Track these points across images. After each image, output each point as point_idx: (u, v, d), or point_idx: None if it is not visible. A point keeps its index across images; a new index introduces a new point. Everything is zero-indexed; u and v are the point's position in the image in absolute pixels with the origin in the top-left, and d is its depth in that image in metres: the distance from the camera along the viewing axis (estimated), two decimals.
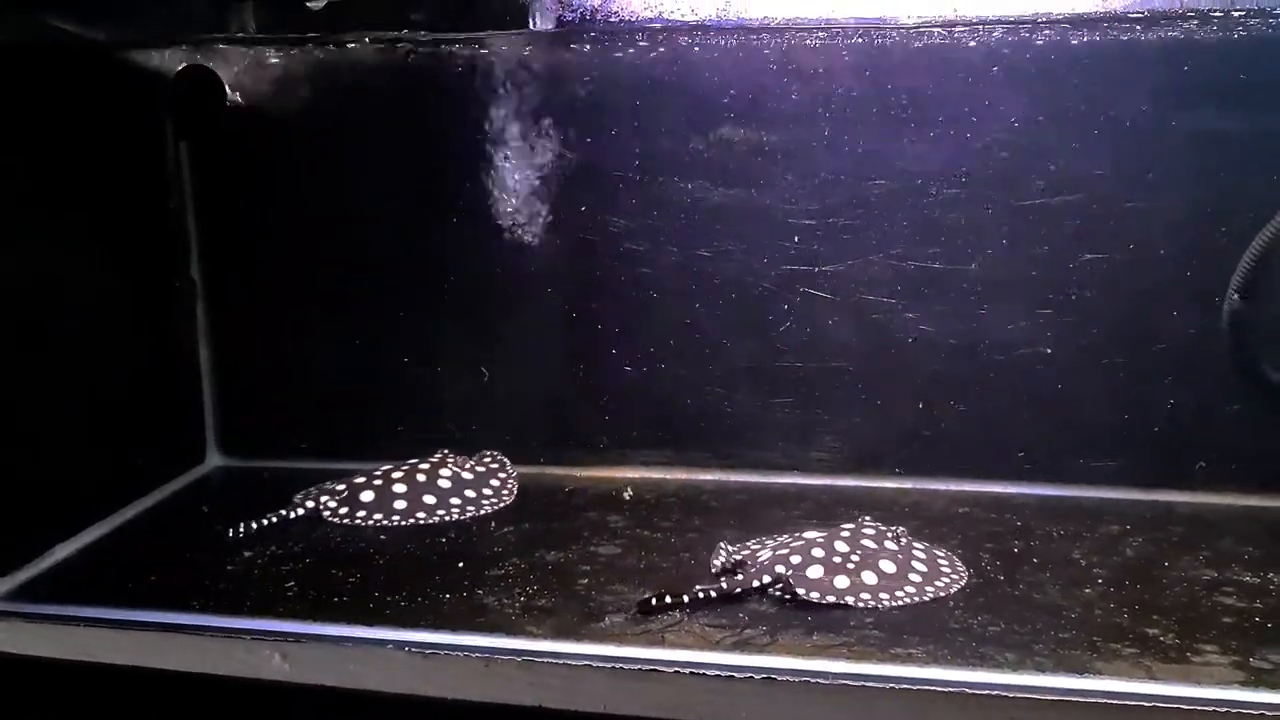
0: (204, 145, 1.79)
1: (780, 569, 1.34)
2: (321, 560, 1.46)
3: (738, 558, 1.40)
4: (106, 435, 1.66)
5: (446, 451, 1.69)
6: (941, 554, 1.43)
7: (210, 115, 1.73)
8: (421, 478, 1.63)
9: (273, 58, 1.74)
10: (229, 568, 1.44)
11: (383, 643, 1.26)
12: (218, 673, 1.29)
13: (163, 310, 1.80)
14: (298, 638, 1.27)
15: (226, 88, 1.74)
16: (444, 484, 1.62)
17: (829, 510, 1.60)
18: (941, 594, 1.33)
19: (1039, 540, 1.49)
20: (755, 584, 1.33)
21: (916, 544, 1.43)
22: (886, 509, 1.60)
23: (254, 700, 1.33)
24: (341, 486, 1.62)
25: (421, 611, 1.32)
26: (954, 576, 1.37)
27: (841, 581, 1.33)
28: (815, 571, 1.34)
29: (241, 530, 1.52)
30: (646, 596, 1.31)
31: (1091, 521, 1.55)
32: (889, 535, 1.43)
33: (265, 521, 1.54)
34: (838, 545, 1.38)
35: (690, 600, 1.31)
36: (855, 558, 1.36)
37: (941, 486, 1.68)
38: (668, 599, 1.30)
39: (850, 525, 1.45)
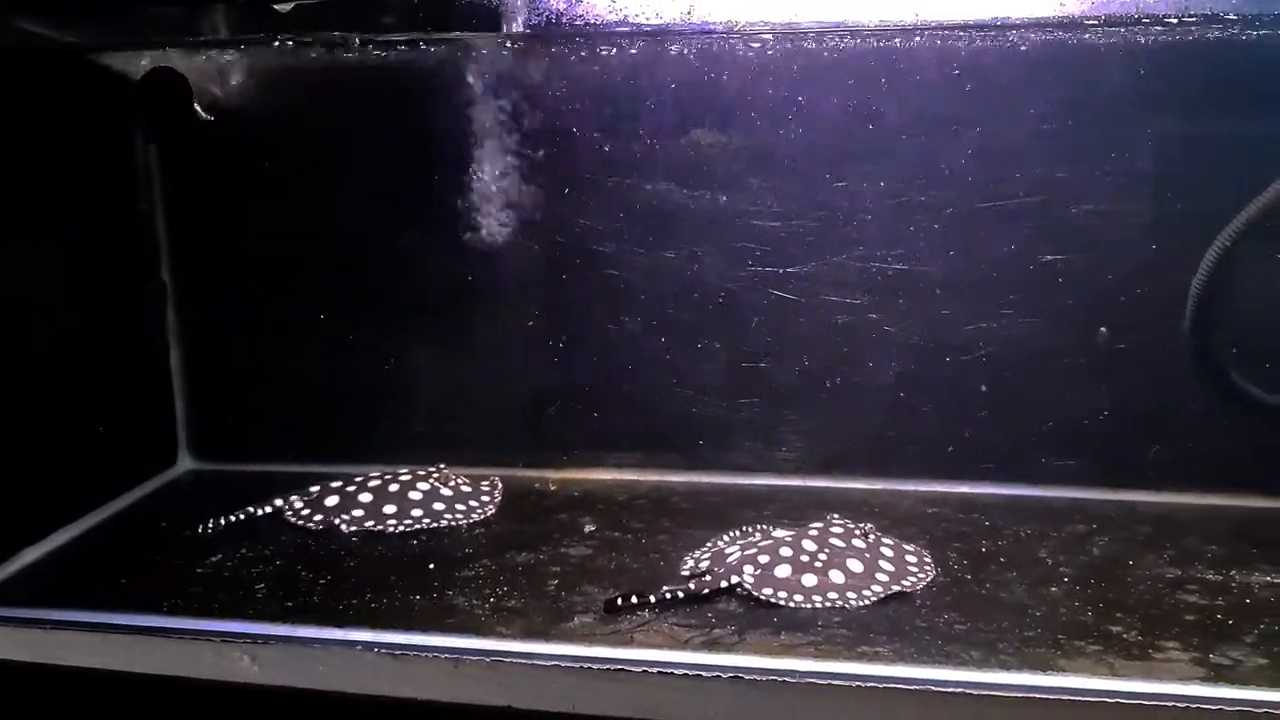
0: (175, 148, 1.79)
1: (749, 569, 1.35)
2: (291, 562, 1.46)
3: (706, 562, 1.41)
4: (76, 438, 1.65)
5: (444, 467, 1.67)
6: (910, 549, 1.44)
7: (177, 117, 1.73)
8: (395, 487, 1.61)
9: (245, 61, 1.74)
10: (198, 570, 1.44)
11: (352, 644, 1.26)
12: (187, 675, 1.29)
13: (133, 313, 1.79)
14: (267, 639, 1.27)
15: (193, 90, 1.73)
16: (415, 496, 1.60)
17: (799, 511, 1.61)
18: (907, 590, 1.34)
19: (1006, 540, 1.50)
20: (723, 584, 1.34)
21: (885, 540, 1.44)
22: (855, 509, 1.61)
23: (223, 702, 1.33)
24: (315, 488, 1.63)
25: (391, 613, 1.32)
26: (920, 574, 1.37)
27: (809, 580, 1.33)
28: (783, 571, 1.34)
29: (210, 526, 1.54)
30: (612, 596, 1.31)
31: (1058, 521, 1.56)
32: (857, 533, 1.44)
33: (232, 518, 1.56)
34: (805, 544, 1.39)
35: (657, 600, 1.31)
36: (823, 557, 1.37)
37: (910, 487, 1.69)
38: (634, 599, 1.31)
39: (819, 524, 1.46)
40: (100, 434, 1.70)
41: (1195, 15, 1.34)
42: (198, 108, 1.70)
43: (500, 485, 1.69)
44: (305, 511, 1.58)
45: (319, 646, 1.26)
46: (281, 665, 1.27)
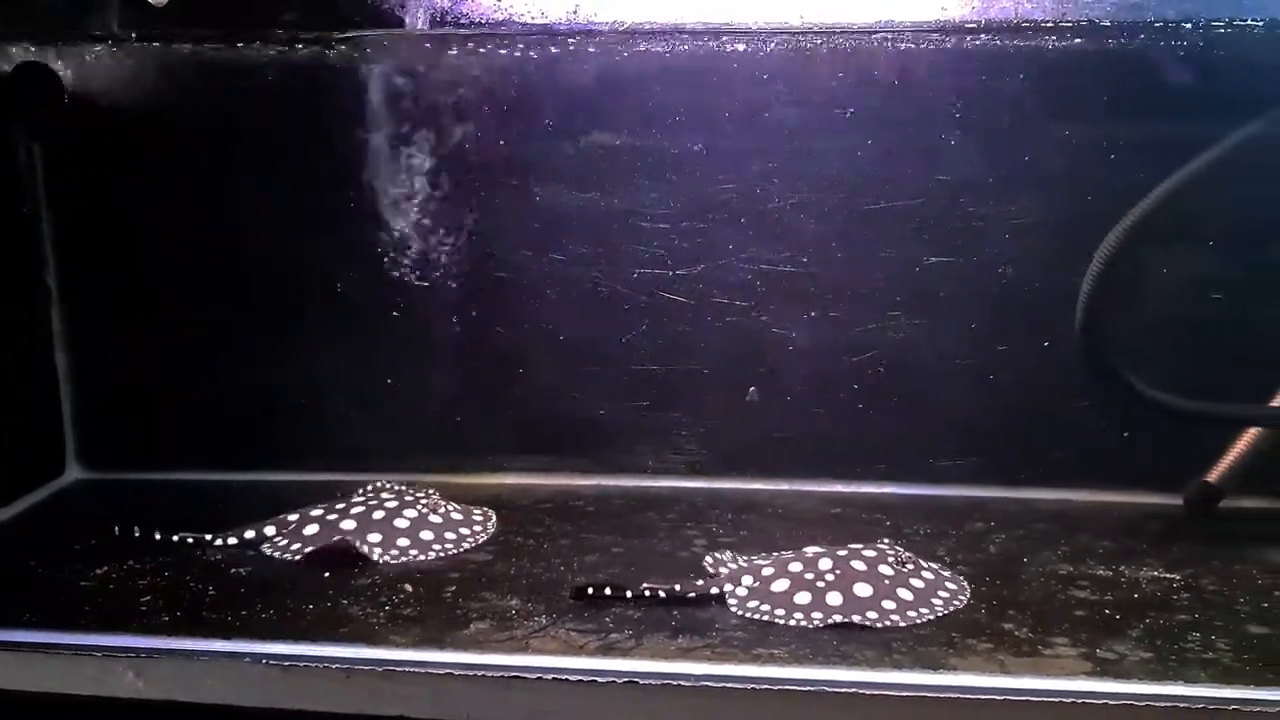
0: (60, 148, 1.73)
1: (748, 580, 1.31)
2: (179, 574, 1.42)
3: (724, 568, 1.37)
4: None
5: (433, 491, 1.59)
6: (951, 586, 1.34)
7: (48, 113, 1.67)
8: (379, 515, 1.50)
9: (136, 56, 1.69)
10: (82, 584, 1.39)
11: (240, 656, 1.23)
12: (68, 692, 1.25)
13: (14, 317, 1.73)
14: (151, 653, 1.24)
15: (64, 86, 1.68)
16: (401, 524, 1.50)
17: (703, 514, 1.61)
18: (913, 623, 1.27)
19: (906, 539, 1.51)
20: (713, 590, 1.31)
21: (924, 573, 1.35)
22: (759, 511, 1.62)
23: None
24: (294, 516, 1.52)
25: (282, 623, 1.29)
26: (937, 608, 1.29)
27: (802, 598, 1.29)
28: (780, 585, 1.30)
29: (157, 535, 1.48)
30: (583, 584, 1.29)
31: (958, 519, 1.58)
32: (891, 559, 1.35)
33: (190, 539, 1.49)
34: (821, 563, 1.33)
35: (634, 596, 1.29)
36: (830, 577, 1.31)
37: (815, 488, 1.70)
38: (607, 590, 1.29)
39: (857, 544, 1.40)
40: None
41: (1072, 21, 1.38)
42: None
43: (494, 516, 1.58)
44: (283, 543, 1.48)
45: (205, 659, 1.23)
46: (167, 680, 1.23)
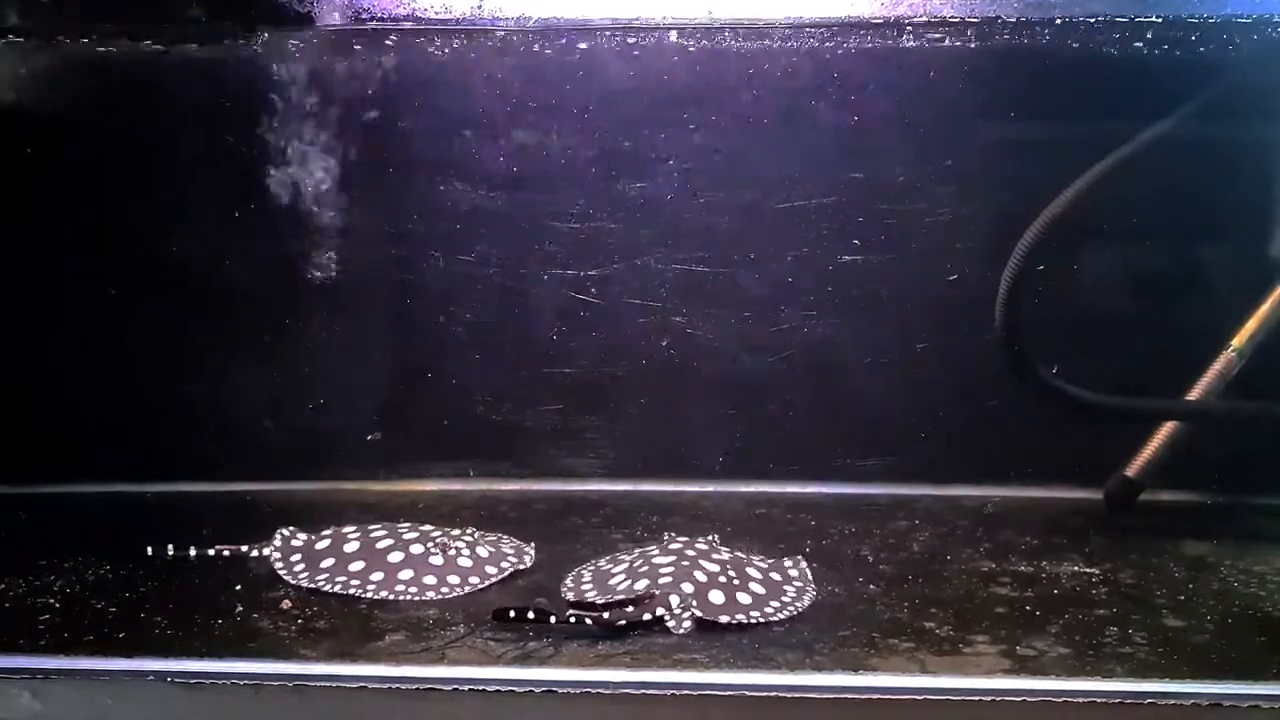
0: None
1: (675, 599, 1.26)
2: (80, 591, 1.37)
3: (593, 594, 1.34)
4: None
5: (473, 530, 1.46)
6: (758, 557, 1.40)
7: None
8: (384, 544, 1.41)
9: (32, 52, 1.63)
10: None
11: (143, 674, 1.18)
12: None
13: None
14: (48, 674, 1.18)
15: None
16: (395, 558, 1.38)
17: (627, 518, 1.60)
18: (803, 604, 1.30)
19: (830, 539, 1.51)
20: (647, 616, 1.25)
21: (739, 554, 1.39)
22: (684, 514, 1.61)
23: None
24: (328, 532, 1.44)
25: (188, 639, 1.25)
26: (802, 585, 1.34)
27: (744, 598, 1.28)
28: (717, 597, 1.28)
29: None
30: (504, 607, 1.25)
31: (882, 518, 1.59)
32: (722, 549, 1.38)
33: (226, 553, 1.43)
34: (708, 566, 1.32)
35: (558, 621, 1.24)
36: (731, 573, 1.31)
37: (739, 489, 1.70)
38: (530, 615, 1.24)
39: (678, 544, 1.39)
40: None
41: (979, 17, 1.39)
42: None
43: (530, 554, 1.44)
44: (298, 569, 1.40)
45: (106, 679, 1.18)
46: (66, 700, 1.18)
